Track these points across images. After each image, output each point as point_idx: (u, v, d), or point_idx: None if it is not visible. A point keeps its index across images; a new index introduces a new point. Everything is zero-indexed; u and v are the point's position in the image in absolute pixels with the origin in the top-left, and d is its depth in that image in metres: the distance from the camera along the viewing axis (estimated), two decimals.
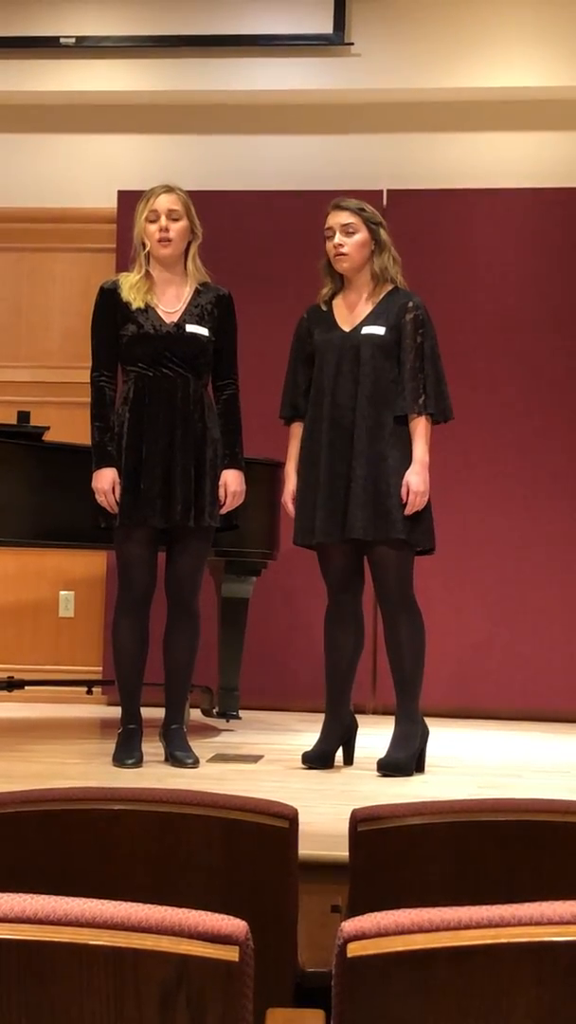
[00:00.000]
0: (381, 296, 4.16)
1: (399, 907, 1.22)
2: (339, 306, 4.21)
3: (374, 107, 6.22)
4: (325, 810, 3.25)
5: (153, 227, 4.09)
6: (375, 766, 3.99)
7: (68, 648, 6.23)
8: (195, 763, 4.05)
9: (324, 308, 4.22)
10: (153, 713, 4.24)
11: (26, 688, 5.45)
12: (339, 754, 4.20)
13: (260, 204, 6.15)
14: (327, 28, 6.04)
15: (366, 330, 4.11)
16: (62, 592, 6.26)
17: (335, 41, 6.04)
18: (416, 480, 4.02)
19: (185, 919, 1.18)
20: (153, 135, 6.38)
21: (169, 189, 4.13)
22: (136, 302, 4.09)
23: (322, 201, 4.27)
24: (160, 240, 4.09)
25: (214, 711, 5.11)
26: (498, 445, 5.97)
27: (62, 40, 6.15)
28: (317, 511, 4.10)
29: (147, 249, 4.12)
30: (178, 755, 4.07)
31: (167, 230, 4.08)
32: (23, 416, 4.67)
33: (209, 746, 4.57)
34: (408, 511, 4.01)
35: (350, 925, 1.20)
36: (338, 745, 4.19)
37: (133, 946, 1.16)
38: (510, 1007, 1.18)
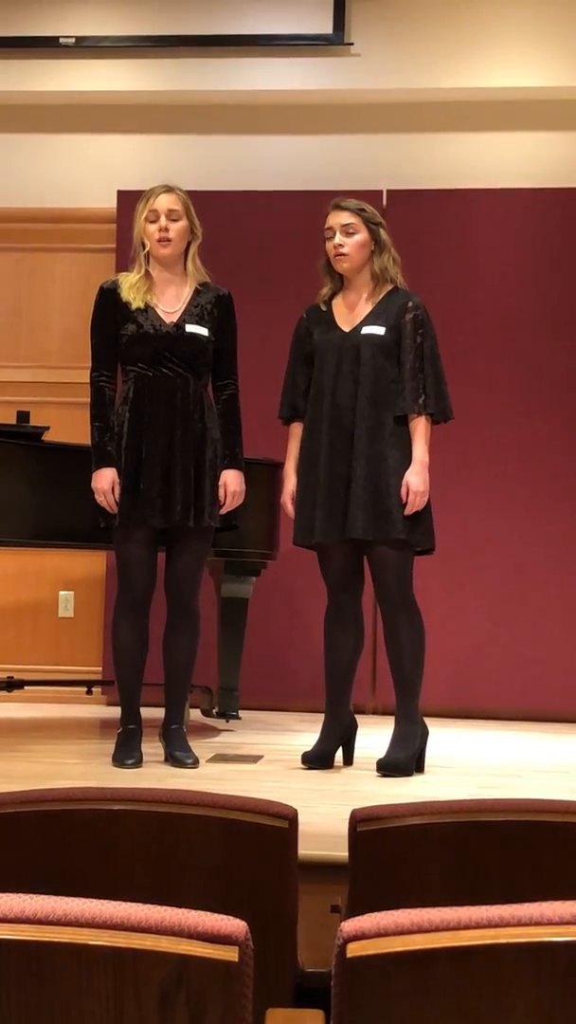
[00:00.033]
0: (381, 296, 4.16)
1: (399, 907, 1.22)
2: (339, 306, 4.21)
3: (374, 107, 6.22)
4: (325, 810, 3.24)
5: (153, 227, 4.09)
6: (375, 766, 3.99)
7: (68, 648, 6.23)
8: (195, 763, 4.05)
9: (324, 308, 4.22)
10: (153, 713, 4.24)
11: (26, 688, 5.45)
12: (339, 754, 4.20)
13: (260, 204, 6.15)
14: (327, 28, 6.04)
15: (366, 330, 4.11)
16: (62, 592, 6.26)
17: (335, 41, 6.04)
18: (416, 480, 4.02)
19: (185, 919, 1.18)
20: (153, 135, 6.38)
21: (169, 189, 4.13)
22: (136, 302, 4.09)
23: (322, 201, 4.27)
24: (160, 240, 4.09)
25: (214, 711, 5.11)
26: (498, 445, 5.97)
27: (62, 40, 6.15)
28: (317, 511, 4.09)
29: (147, 249, 4.12)
30: (178, 755, 4.07)
31: (167, 230, 4.08)
32: (23, 416, 4.68)
33: (209, 746, 4.57)
34: (408, 511, 4.01)
35: (349, 925, 1.20)
36: (338, 745, 4.19)
37: (133, 946, 1.16)
38: (509, 1007, 1.18)
